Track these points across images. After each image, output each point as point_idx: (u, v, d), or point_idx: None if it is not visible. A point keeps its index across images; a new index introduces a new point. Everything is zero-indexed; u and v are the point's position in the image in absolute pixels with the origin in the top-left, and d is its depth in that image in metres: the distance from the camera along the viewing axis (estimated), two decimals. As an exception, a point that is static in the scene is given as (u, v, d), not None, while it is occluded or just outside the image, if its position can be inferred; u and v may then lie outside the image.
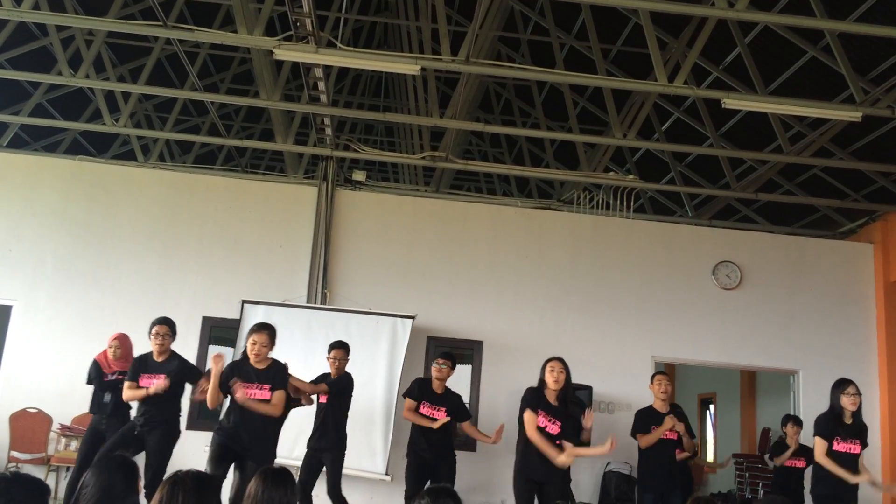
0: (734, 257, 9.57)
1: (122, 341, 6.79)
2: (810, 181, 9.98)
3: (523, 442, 5.79)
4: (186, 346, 8.55)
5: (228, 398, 5.74)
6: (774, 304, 9.50)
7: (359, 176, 9.74)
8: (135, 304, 8.68)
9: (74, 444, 8.00)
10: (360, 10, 11.79)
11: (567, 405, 5.86)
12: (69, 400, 8.10)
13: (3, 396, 8.47)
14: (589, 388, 8.64)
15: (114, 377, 6.61)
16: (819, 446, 5.85)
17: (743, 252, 9.61)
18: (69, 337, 8.66)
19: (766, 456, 8.21)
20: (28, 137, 11.50)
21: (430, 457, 6.59)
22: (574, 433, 5.94)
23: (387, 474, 8.00)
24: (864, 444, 5.97)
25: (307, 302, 8.90)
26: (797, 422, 7.89)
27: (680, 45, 8.44)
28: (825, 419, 5.93)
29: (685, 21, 8.28)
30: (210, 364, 5.71)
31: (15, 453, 8.21)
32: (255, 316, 8.29)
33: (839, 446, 5.81)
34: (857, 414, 5.89)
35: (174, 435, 6.24)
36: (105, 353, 6.78)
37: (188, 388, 6.40)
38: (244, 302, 8.53)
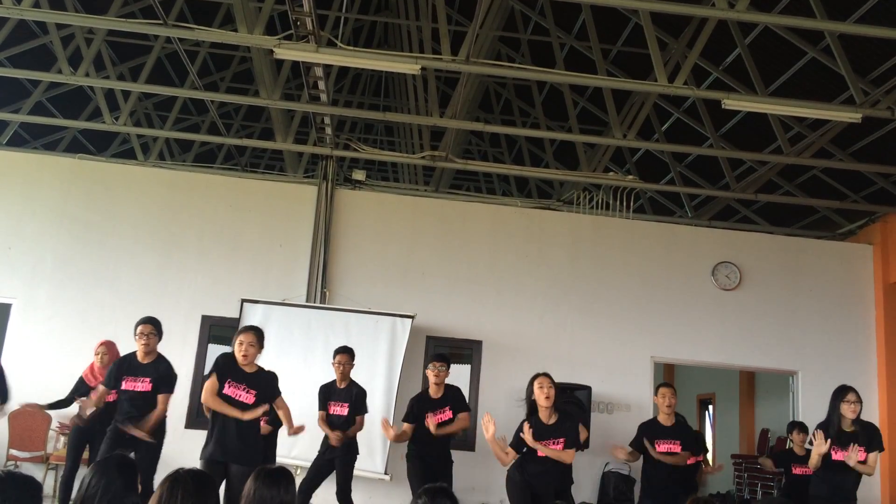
0: (734, 258, 9.57)
1: (109, 348, 6.77)
2: (810, 182, 9.99)
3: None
4: (186, 344, 8.61)
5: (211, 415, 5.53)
6: (774, 305, 9.50)
7: (358, 175, 9.74)
8: (134, 303, 8.65)
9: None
10: (361, 9, 11.79)
11: (561, 416, 5.88)
12: (68, 398, 8.10)
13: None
14: (588, 389, 8.65)
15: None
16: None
17: (742, 253, 9.61)
18: (69, 335, 8.66)
19: (768, 460, 8.13)
20: (28, 136, 11.52)
21: (431, 458, 6.57)
22: (575, 442, 5.90)
23: (386, 473, 8.02)
24: (875, 449, 5.72)
25: (307, 301, 8.91)
26: (803, 428, 7.75)
27: (680, 46, 8.45)
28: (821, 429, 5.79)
29: (685, 21, 8.28)
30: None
31: (14, 451, 8.21)
32: (254, 315, 8.31)
33: (837, 455, 5.66)
34: (858, 421, 5.73)
35: (159, 436, 6.12)
36: (91, 367, 6.78)
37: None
38: (244, 301, 8.53)
